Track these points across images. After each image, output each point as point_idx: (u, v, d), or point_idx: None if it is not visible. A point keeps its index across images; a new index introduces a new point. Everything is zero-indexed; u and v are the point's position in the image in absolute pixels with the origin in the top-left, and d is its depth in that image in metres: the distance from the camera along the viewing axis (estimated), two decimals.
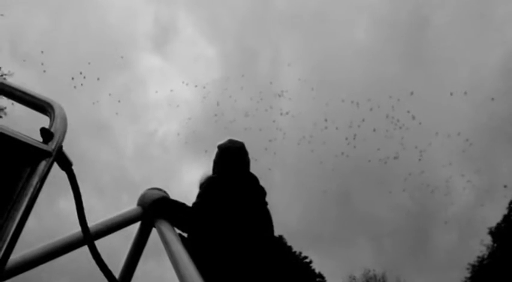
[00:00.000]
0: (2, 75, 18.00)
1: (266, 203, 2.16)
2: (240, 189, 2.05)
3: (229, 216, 1.92)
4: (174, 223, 1.68)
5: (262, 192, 2.19)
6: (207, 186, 2.04)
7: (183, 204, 1.85)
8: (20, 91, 1.04)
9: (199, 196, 2.02)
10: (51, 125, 0.95)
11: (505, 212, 28.76)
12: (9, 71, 18.74)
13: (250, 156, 2.28)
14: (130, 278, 1.67)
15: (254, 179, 2.18)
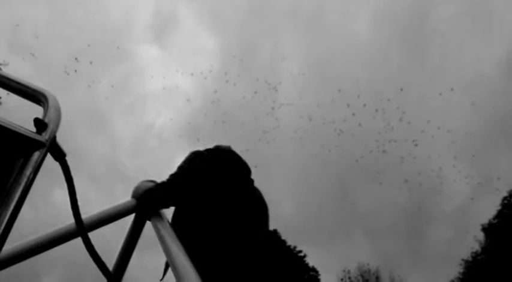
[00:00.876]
0: None
1: (252, 180, 2.09)
2: (224, 162, 1.96)
3: (212, 188, 1.84)
4: (159, 205, 1.70)
5: (246, 167, 2.10)
6: (188, 157, 1.97)
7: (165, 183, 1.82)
8: (13, 81, 1.04)
9: (179, 167, 1.92)
10: (44, 115, 0.94)
11: (499, 207, 28.95)
12: (4, 61, 18.62)
13: (244, 147, 2.25)
14: (124, 270, 1.67)
15: (238, 156, 2.11)
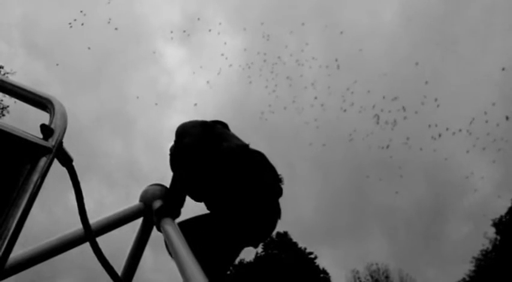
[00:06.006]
0: (4, 74, 18.05)
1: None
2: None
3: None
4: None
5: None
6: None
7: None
8: (20, 88, 1.04)
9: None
10: (51, 122, 0.94)
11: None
12: (11, 70, 18.83)
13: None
14: (133, 273, 1.67)
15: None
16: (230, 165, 1.82)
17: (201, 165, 1.83)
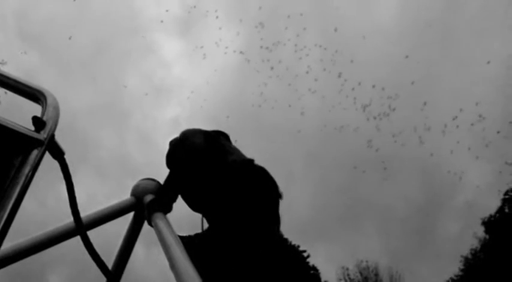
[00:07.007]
0: None
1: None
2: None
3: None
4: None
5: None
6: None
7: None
8: (12, 79, 1.03)
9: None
10: (43, 114, 0.94)
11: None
12: (2, 60, 18.64)
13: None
14: (123, 268, 1.67)
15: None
16: (236, 180, 1.81)
17: (204, 174, 1.84)
